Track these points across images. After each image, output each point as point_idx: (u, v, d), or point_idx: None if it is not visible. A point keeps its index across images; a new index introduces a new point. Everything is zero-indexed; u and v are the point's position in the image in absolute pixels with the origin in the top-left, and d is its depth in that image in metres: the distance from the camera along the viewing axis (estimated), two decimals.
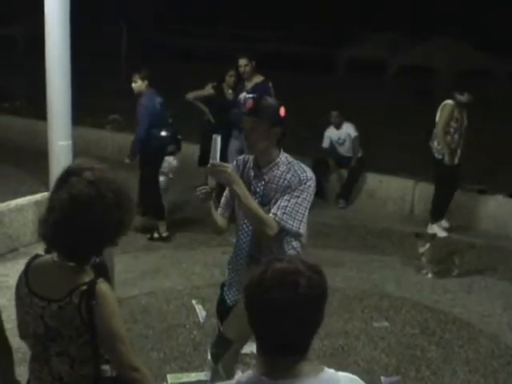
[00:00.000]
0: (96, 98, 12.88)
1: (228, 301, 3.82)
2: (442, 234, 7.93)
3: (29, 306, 2.54)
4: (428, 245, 6.88)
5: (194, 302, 5.98)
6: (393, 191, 9.08)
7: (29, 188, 8.07)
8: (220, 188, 3.77)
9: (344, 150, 9.31)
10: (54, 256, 2.56)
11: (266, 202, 3.56)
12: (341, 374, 2.06)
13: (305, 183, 3.52)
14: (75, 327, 2.45)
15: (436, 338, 5.57)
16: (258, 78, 8.17)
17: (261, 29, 28.32)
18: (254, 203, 3.49)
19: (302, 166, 3.61)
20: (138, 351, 2.61)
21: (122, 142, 9.95)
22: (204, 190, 3.46)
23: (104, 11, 23.70)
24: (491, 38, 21.06)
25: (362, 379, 2.09)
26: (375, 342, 5.45)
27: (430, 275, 6.80)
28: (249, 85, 8.08)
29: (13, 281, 2.73)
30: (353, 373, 2.11)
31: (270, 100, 3.68)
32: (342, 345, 5.37)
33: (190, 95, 8.83)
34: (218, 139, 3.40)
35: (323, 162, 9.27)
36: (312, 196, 3.58)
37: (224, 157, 3.90)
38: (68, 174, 2.53)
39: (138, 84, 7.32)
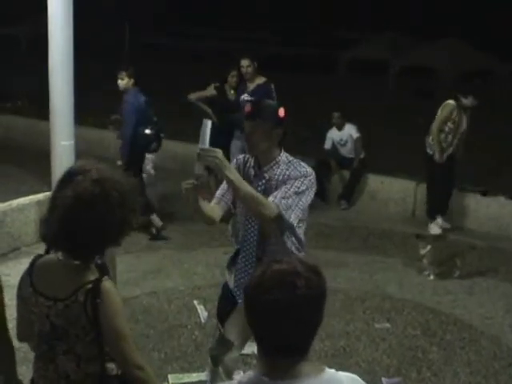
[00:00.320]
0: (98, 98, 12.88)
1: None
2: (436, 230, 7.98)
3: (34, 306, 2.54)
4: (429, 246, 6.87)
5: (195, 302, 5.98)
6: (394, 192, 9.08)
7: (31, 188, 8.08)
8: (209, 174, 3.70)
9: (346, 151, 9.31)
10: (58, 255, 2.57)
11: None
12: (341, 373, 2.06)
13: (305, 177, 3.52)
14: (81, 325, 2.47)
15: (437, 339, 5.56)
16: (260, 80, 8.14)
17: (261, 29, 28.38)
18: (248, 186, 3.43)
19: (302, 164, 3.61)
20: (140, 351, 2.62)
21: None
22: (188, 185, 3.38)
23: (104, 11, 23.73)
24: (493, 39, 21.06)
25: (363, 380, 2.09)
26: (376, 343, 5.45)
27: (431, 277, 6.79)
28: (251, 86, 8.08)
29: (15, 280, 2.73)
30: (354, 374, 2.11)
31: (269, 102, 3.72)
32: (343, 346, 5.37)
33: (193, 96, 8.84)
34: (208, 123, 3.33)
35: (325, 163, 9.27)
36: (312, 194, 3.56)
37: (226, 157, 3.86)
38: (70, 175, 2.53)
39: (125, 82, 7.34)
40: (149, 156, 7.74)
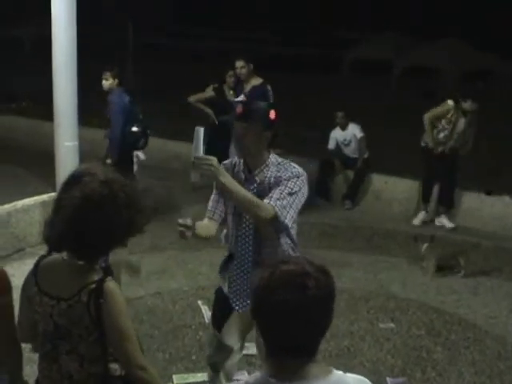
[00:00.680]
0: (102, 98, 12.89)
1: (240, 310, 3.73)
2: (416, 221, 8.43)
3: (38, 305, 2.55)
4: (426, 245, 6.90)
5: (199, 302, 5.98)
6: (398, 192, 9.08)
7: (35, 189, 8.08)
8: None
9: (350, 151, 9.30)
10: (63, 255, 2.58)
11: None
12: (349, 375, 2.05)
13: (297, 177, 3.51)
14: (85, 325, 2.47)
15: (442, 339, 5.56)
16: (257, 81, 8.02)
17: (261, 29, 28.38)
18: (244, 190, 3.43)
19: (293, 164, 3.59)
20: (144, 352, 2.62)
21: None
22: (182, 228, 3.38)
23: (104, 11, 23.75)
24: (496, 39, 21.03)
25: (368, 380, 2.09)
26: (381, 343, 5.45)
27: (429, 274, 6.81)
28: (247, 87, 7.96)
29: (19, 281, 2.73)
30: (358, 374, 2.11)
31: (260, 104, 3.66)
32: (347, 346, 5.37)
33: (192, 98, 8.85)
34: (200, 131, 3.31)
35: (329, 163, 9.27)
36: (305, 194, 3.55)
37: (225, 158, 3.85)
38: (76, 177, 2.54)
39: (110, 82, 7.40)
40: (136, 153, 7.99)
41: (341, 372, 2.04)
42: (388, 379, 4.90)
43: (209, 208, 3.72)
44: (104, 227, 2.47)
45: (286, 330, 1.94)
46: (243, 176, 3.61)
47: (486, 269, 7.08)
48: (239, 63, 7.97)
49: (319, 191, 8.96)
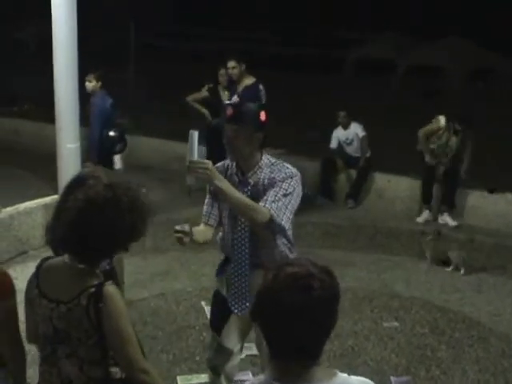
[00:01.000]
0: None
1: (239, 313, 3.71)
2: (420, 219, 8.50)
3: (38, 307, 2.56)
4: (429, 237, 7.02)
5: (203, 303, 5.98)
6: (401, 191, 9.07)
7: (37, 191, 8.09)
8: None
9: (352, 150, 9.30)
10: (65, 258, 2.58)
11: None
12: (354, 378, 2.04)
13: (291, 178, 3.50)
14: (84, 329, 2.47)
15: (446, 337, 5.55)
16: (250, 80, 7.99)
17: (261, 29, 28.37)
18: (239, 193, 3.43)
19: (286, 165, 3.58)
20: (148, 353, 2.62)
21: (130, 145, 9.95)
22: (180, 234, 3.39)
23: (104, 11, 23.73)
24: (496, 38, 20.99)
25: (372, 380, 2.07)
26: (385, 342, 5.44)
27: (426, 266, 6.92)
28: (239, 87, 7.92)
29: (22, 284, 2.74)
30: (363, 373, 2.11)
31: (250, 105, 3.62)
32: (351, 345, 5.36)
33: (190, 98, 8.86)
34: (195, 134, 3.30)
35: (331, 162, 9.27)
36: (300, 194, 3.54)
37: (222, 158, 3.84)
38: (80, 180, 2.55)
39: (93, 84, 7.35)
40: (114, 157, 7.80)
41: (345, 374, 2.03)
42: (392, 378, 4.89)
43: (204, 213, 3.72)
44: (107, 231, 2.47)
45: (290, 332, 1.93)
46: (236, 179, 3.60)
47: (490, 266, 7.07)
48: (230, 63, 7.95)
49: (322, 191, 9.00)
